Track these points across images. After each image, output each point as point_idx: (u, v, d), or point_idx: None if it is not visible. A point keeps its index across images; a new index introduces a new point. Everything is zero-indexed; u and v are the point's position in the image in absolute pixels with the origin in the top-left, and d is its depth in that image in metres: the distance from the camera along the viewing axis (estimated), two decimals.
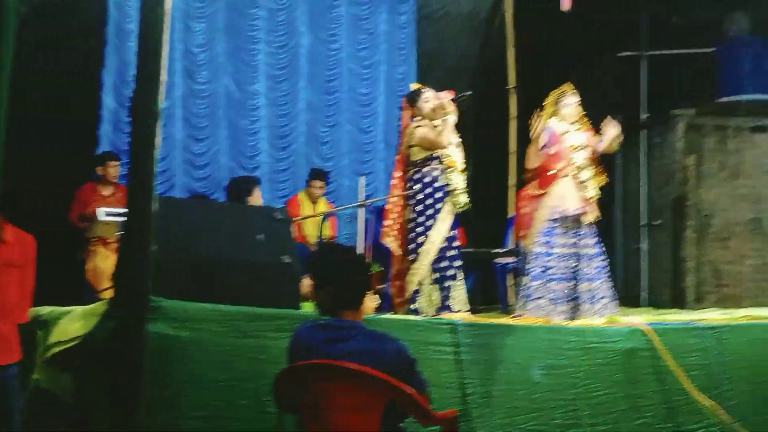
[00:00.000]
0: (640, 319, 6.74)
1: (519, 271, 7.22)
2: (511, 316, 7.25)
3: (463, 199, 6.88)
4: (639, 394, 5.67)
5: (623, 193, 11.40)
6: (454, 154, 6.92)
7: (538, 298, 6.99)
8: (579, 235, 7.07)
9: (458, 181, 6.88)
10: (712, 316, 7.32)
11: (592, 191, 7.11)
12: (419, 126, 6.88)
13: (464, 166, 7.01)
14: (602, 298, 7.04)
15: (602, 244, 7.18)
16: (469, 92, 7.11)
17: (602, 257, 7.11)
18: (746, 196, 10.56)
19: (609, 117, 7.21)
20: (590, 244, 7.08)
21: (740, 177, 10.58)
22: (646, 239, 11.12)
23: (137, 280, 4.35)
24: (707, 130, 10.65)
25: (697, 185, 10.58)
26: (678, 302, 10.42)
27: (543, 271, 7.01)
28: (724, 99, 10.78)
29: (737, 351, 5.96)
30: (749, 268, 10.53)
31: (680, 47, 11.10)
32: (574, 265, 7.01)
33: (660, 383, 5.70)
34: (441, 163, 6.87)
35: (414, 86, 7.24)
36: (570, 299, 7.00)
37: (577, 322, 6.45)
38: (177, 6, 8.87)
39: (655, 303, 10.49)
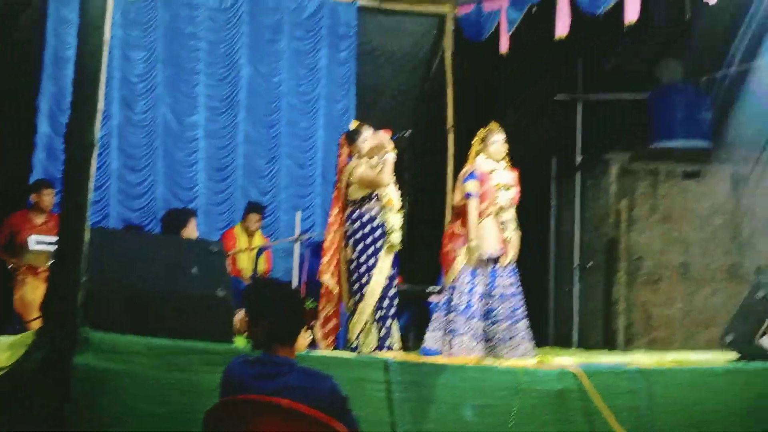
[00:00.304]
0: (571, 360, 6.79)
1: (439, 308, 7.27)
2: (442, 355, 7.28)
3: (394, 238, 6.90)
4: None
5: (557, 235, 11.53)
6: (392, 192, 6.95)
7: (462, 334, 7.05)
8: (498, 275, 7.16)
9: (395, 220, 6.92)
10: (642, 359, 7.41)
11: (511, 231, 7.22)
12: (358, 165, 6.91)
13: (401, 204, 7.04)
14: (520, 338, 7.13)
15: (520, 284, 7.29)
16: (408, 131, 7.16)
17: (520, 297, 7.22)
18: (676, 241, 10.76)
19: None
20: (508, 284, 7.18)
21: (671, 221, 10.78)
22: (578, 281, 11.24)
23: (66, 310, 4.29)
24: (640, 174, 10.85)
25: (629, 228, 10.75)
26: (608, 344, 10.54)
27: (465, 308, 7.08)
28: (657, 144, 10.99)
29: (666, 394, 6.03)
30: (678, 311, 10.70)
31: (615, 92, 11.31)
32: (493, 304, 7.10)
33: (589, 425, 5.74)
34: (379, 201, 6.89)
35: (353, 124, 7.27)
36: (487, 338, 7.08)
37: (509, 362, 6.48)
38: (116, 35, 8.82)
39: (586, 344, 10.59)
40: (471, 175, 7.22)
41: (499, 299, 7.13)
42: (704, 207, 10.81)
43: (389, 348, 6.80)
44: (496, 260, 7.18)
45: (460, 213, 7.28)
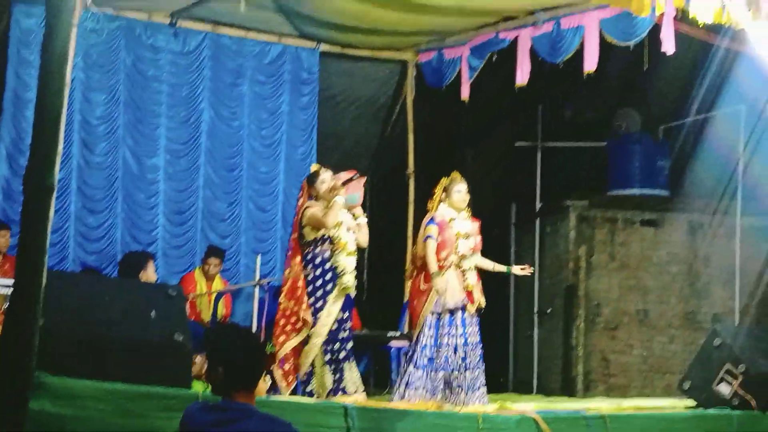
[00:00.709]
0: (531, 406, 6.80)
1: (406, 358, 7.33)
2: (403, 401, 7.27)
3: (348, 280, 6.92)
4: None
5: (516, 281, 11.58)
6: (345, 235, 6.98)
7: (417, 388, 7.06)
8: (468, 323, 7.20)
9: (346, 262, 6.94)
10: (601, 405, 7.43)
11: (473, 279, 7.27)
12: (309, 206, 6.95)
13: (354, 247, 7.07)
14: (480, 386, 7.17)
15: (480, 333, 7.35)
16: (357, 175, 7.19)
17: (481, 345, 7.27)
18: (634, 288, 10.85)
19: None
20: (473, 333, 7.23)
21: (629, 269, 10.87)
22: (537, 327, 11.28)
23: (23, 354, 4.22)
24: (598, 222, 10.95)
25: (587, 275, 10.83)
26: (568, 390, 10.56)
27: (427, 362, 7.11)
28: (615, 192, 11.11)
29: None
30: (636, 358, 10.77)
31: (574, 140, 11.44)
32: (467, 353, 7.12)
33: None
34: (332, 244, 6.94)
35: (314, 167, 7.32)
36: (451, 386, 7.09)
37: (469, 408, 6.48)
38: (77, 77, 8.79)
39: (546, 390, 10.61)
40: (431, 221, 7.31)
41: (472, 348, 7.20)
42: (662, 254, 10.92)
43: (344, 391, 6.78)
44: (464, 308, 7.21)
45: (423, 265, 7.33)
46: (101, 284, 5.51)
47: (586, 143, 11.51)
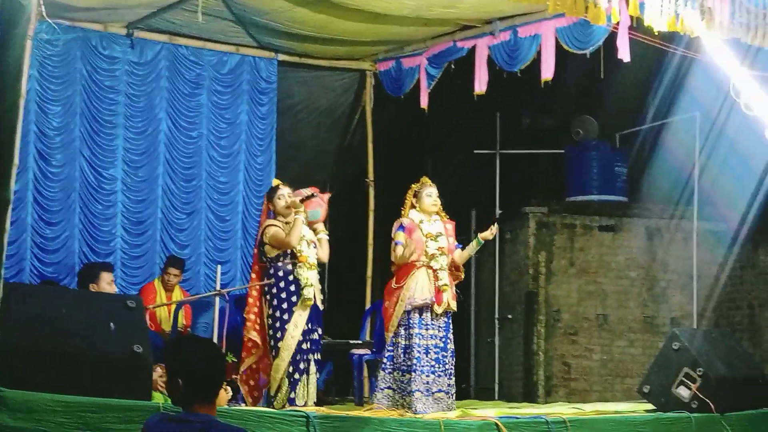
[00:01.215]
0: (492, 412, 6.83)
1: (382, 365, 7.31)
2: (365, 408, 7.27)
3: (307, 293, 6.94)
4: None
5: (477, 287, 11.62)
6: (306, 250, 7.01)
7: (394, 390, 7.05)
8: (437, 326, 7.20)
9: (308, 276, 6.97)
10: (562, 410, 7.48)
11: (445, 280, 7.27)
12: (271, 225, 6.99)
13: (315, 261, 7.09)
14: (455, 391, 7.19)
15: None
16: (311, 192, 7.21)
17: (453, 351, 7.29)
18: (593, 293, 10.93)
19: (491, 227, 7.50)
20: (450, 339, 7.25)
21: (588, 274, 10.95)
22: (498, 333, 11.32)
23: None
24: (557, 228, 11.03)
25: (547, 281, 10.89)
26: (529, 395, 10.61)
27: (402, 363, 7.10)
28: (573, 198, 11.19)
29: None
30: (596, 363, 10.84)
31: (532, 147, 11.52)
32: (429, 356, 7.12)
33: None
34: (294, 258, 6.97)
35: (275, 182, 7.38)
36: (432, 392, 7.07)
37: (430, 415, 6.49)
38: (32, 88, 8.71)
39: (507, 396, 10.65)
40: (399, 227, 7.33)
41: (451, 354, 7.22)
42: (620, 260, 11.01)
43: (293, 403, 6.78)
44: (431, 309, 7.21)
45: (397, 268, 7.35)
46: (59, 296, 5.45)
47: (544, 150, 11.59)
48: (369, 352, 8.67)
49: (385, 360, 7.28)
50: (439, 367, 7.15)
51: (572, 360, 10.83)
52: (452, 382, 7.27)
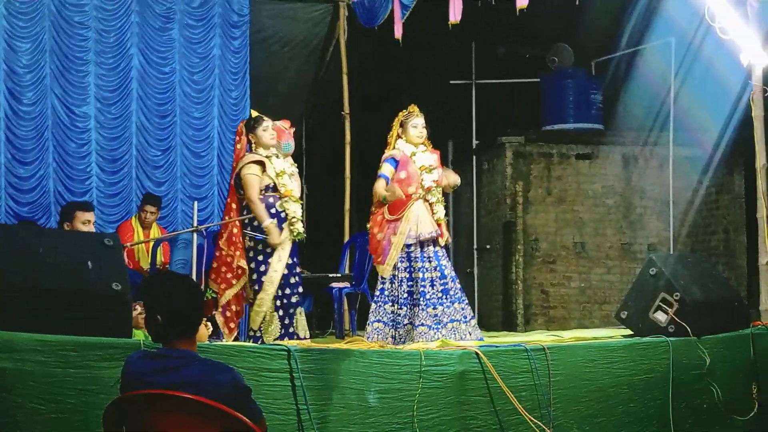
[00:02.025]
0: (472, 342, 6.88)
1: (374, 298, 7.25)
2: (346, 341, 7.29)
3: (300, 227, 6.88)
4: (471, 415, 5.77)
5: (455, 218, 11.66)
6: (289, 183, 6.91)
7: (412, 324, 7.03)
8: (442, 255, 7.17)
9: (294, 209, 6.88)
10: (541, 337, 7.55)
11: (441, 212, 7.23)
12: (250, 167, 6.81)
13: (300, 194, 7.02)
14: (471, 318, 7.18)
15: None
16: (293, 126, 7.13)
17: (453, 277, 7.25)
18: (571, 221, 10.99)
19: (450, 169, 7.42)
20: (449, 266, 7.21)
21: (565, 203, 11.00)
22: (477, 263, 11.39)
23: None
24: (534, 157, 11.04)
25: (525, 210, 10.93)
26: (508, 324, 10.72)
27: (407, 296, 7.08)
28: (549, 127, 11.19)
29: (564, 371, 6.15)
30: (574, 290, 10.95)
31: (507, 77, 11.47)
32: (434, 288, 7.08)
33: (491, 405, 5.82)
34: (276, 191, 6.85)
35: (254, 113, 7.19)
36: (444, 324, 7.04)
37: (411, 346, 6.53)
38: (0, 25, 8.57)
39: (487, 326, 10.74)
40: (389, 160, 7.14)
41: (452, 280, 7.15)
42: (597, 188, 11.06)
43: (295, 336, 6.78)
44: (435, 242, 7.16)
45: (380, 203, 7.23)
46: (35, 235, 5.40)
47: (519, 80, 11.55)
48: (348, 285, 8.69)
49: (377, 293, 7.19)
50: (447, 298, 7.09)
51: (551, 288, 10.93)
52: (465, 306, 7.16)
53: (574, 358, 6.26)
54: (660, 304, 6.76)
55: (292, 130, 7.31)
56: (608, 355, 6.38)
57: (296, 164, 7.23)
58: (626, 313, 6.97)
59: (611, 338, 7.04)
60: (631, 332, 6.97)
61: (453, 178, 7.36)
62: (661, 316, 6.75)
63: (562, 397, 6.09)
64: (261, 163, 6.82)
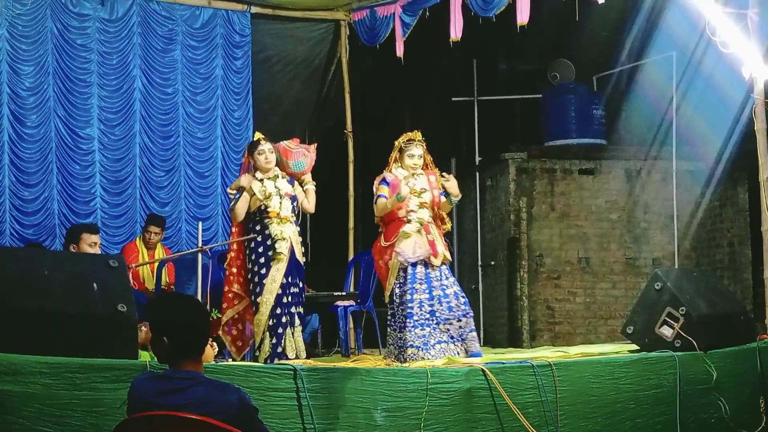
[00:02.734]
0: (478, 358, 6.87)
1: (389, 323, 7.29)
2: (352, 359, 7.29)
3: (279, 246, 6.93)
4: None
5: (459, 234, 11.66)
6: (276, 204, 6.98)
7: (410, 346, 7.04)
8: (437, 277, 7.19)
9: (280, 230, 6.95)
10: (547, 353, 7.53)
11: (435, 232, 7.25)
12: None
13: (290, 213, 7.05)
14: (470, 332, 7.20)
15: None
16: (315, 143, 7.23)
17: (463, 294, 7.28)
18: (575, 236, 10.98)
19: (449, 174, 7.42)
20: (451, 284, 7.23)
21: (569, 218, 10.99)
22: (481, 279, 11.38)
23: None
24: (537, 173, 11.04)
25: (529, 226, 10.93)
26: (514, 341, 10.69)
27: (399, 319, 7.12)
28: (552, 143, 11.20)
29: (571, 387, 6.14)
30: (579, 305, 10.92)
31: (509, 93, 11.49)
32: (428, 310, 7.10)
33: (498, 422, 5.81)
34: (263, 213, 6.96)
35: (256, 136, 7.29)
36: (431, 345, 7.05)
37: (417, 364, 6.52)
38: (3, 48, 8.63)
39: (493, 342, 10.73)
40: (382, 181, 7.28)
41: (452, 298, 7.18)
42: (600, 202, 11.06)
43: (283, 357, 6.80)
44: (427, 263, 7.18)
45: (384, 225, 7.30)
46: (40, 258, 5.41)
47: (521, 95, 11.56)
48: (353, 303, 8.69)
49: (389, 317, 7.29)
50: (432, 320, 7.11)
51: (556, 304, 10.91)
52: (462, 324, 7.17)
53: (580, 374, 6.25)
54: (666, 318, 6.75)
55: (313, 146, 7.39)
56: (615, 371, 6.37)
57: (313, 182, 7.31)
58: (632, 328, 6.95)
59: (617, 353, 7.02)
60: (638, 347, 6.95)
61: (450, 185, 7.33)
62: (667, 331, 6.73)
63: (569, 414, 6.08)
64: (242, 188, 6.97)
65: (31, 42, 8.96)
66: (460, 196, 7.49)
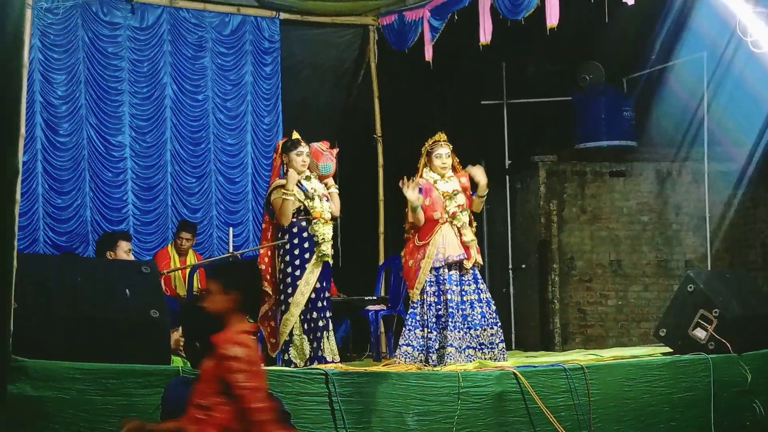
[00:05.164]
0: (510, 362, 6.85)
1: (405, 323, 7.26)
2: (383, 364, 7.29)
3: (325, 248, 6.95)
4: None
5: (490, 238, 11.63)
6: (319, 204, 6.99)
7: (443, 347, 7.01)
8: (467, 281, 7.18)
9: (324, 231, 6.97)
10: (579, 357, 7.50)
11: (469, 235, 7.24)
12: (278, 190, 6.94)
13: (330, 216, 7.08)
14: (501, 341, 7.16)
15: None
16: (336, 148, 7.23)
17: (493, 302, 7.24)
18: (606, 239, 10.92)
19: (474, 165, 7.38)
20: (483, 290, 7.21)
21: (600, 220, 10.94)
22: (512, 283, 11.34)
23: None
24: (567, 175, 11.00)
25: (560, 229, 10.89)
26: (545, 344, 10.65)
27: (436, 321, 7.09)
28: (582, 145, 11.15)
29: (604, 390, 6.11)
30: (612, 308, 10.87)
31: (539, 96, 11.44)
32: (461, 314, 7.08)
33: (530, 425, 5.80)
34: (308, 213, 6.95)
35: (294, 135, 7.27)
36: (462, 349, 7.02)
37: (449, 368, 6.52)
38: (35, 58, 8.71)
39: (524, 346, 10.68)
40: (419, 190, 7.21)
41: (480, 304, 7.16)
42: (632, 204, 10.99)
43: (323, 360, 6.82)
44: (461, 265, 7.15)
45: (417, 226, 7.29)
46: (73, 265, 5.47)
47: (551, 98, 11.52)
48: (384, 307, 8.69)
49: (408, 318, 7.21)
50: (464, 324, 7.09)
51: (588, 307, 10.86)
52: (493, 332, 7.12)
53: (613, 377, 6.23)
54: (699, 320, 6.71)
55: (335, 151, 7.39)
56: (648, 374, 6.34)
57: (336, 185, 7.32)
58: (665, 330, 6.92)
59: (650, 356, 6.98)
60: (671, 350, 6.92)
61: (481, 181, 7.28)
62: (700, 333, 6.70)
63: (602, 417, 6.05)
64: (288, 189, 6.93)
65: (62, 51, 9.05)
66: (487, 188, 7.38)
